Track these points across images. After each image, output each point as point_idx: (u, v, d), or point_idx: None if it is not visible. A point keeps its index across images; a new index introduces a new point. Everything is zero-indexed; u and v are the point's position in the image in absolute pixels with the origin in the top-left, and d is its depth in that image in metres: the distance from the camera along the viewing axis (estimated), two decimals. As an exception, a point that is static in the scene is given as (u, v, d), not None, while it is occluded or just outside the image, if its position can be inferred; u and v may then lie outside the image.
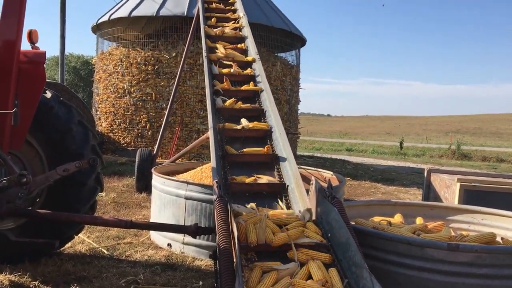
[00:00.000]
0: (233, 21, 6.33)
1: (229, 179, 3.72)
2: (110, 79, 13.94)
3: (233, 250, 2.59)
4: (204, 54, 5.44)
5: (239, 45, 5.79)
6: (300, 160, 15.08)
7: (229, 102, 4.68)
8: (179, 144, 12.25)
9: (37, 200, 4.19)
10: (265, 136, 4.36)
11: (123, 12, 13.75)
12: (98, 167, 4.21)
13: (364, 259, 2.46)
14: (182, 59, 8.22)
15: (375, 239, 2.91)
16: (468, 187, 4.72)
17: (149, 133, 13.18)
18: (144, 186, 7.87)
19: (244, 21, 6.21)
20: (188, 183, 4.87)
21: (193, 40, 10.01)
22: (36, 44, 4.02)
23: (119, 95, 13.65)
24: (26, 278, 3.78)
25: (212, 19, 6.31)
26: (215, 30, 6.00)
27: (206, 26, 6.09)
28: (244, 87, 5.02)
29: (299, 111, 16.60)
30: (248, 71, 5.30)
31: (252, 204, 3.35)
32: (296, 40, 15.51)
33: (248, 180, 3.76)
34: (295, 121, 15.77)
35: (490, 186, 4.76)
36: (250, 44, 5.74)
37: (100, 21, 14.50)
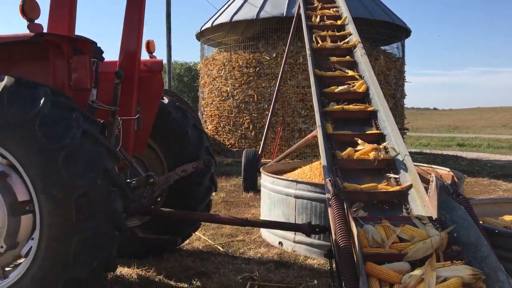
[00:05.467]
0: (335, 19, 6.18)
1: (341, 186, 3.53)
2: (214, 83, 14.52)
3: (353, 249, 2.53)
4: (308, 52, 5.37)
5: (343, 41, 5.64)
6: (408, 157, 14.36)
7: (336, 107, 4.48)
8: (281, 144, 12.38)
9: (158, 199, 4.47)
10: (377, 140, 4.10)
11: (224, 18, 14.23)
12: (212, 168, 4.39)
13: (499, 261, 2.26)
14: (283, 60, 8.27)
15: (509, 240, 2.67)
16: None
17: (252, 134, 13.49)
18: (251, 185, 8.08)
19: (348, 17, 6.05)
20: (297, 182, 4.88)
21: (293, 40, 10.04)
22: (153, 54, 4.29)
23: (223, 98, 14.15)
24: (151, 273, 4.06)
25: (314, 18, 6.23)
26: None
27: (310, 22, 6.04)
28: (352, 88, 4.74)
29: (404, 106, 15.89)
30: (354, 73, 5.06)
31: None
32: (400, 32, 14.86)
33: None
34: (401, 116, 15.11)
35: None
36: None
37: (203, 28, 15.17)
